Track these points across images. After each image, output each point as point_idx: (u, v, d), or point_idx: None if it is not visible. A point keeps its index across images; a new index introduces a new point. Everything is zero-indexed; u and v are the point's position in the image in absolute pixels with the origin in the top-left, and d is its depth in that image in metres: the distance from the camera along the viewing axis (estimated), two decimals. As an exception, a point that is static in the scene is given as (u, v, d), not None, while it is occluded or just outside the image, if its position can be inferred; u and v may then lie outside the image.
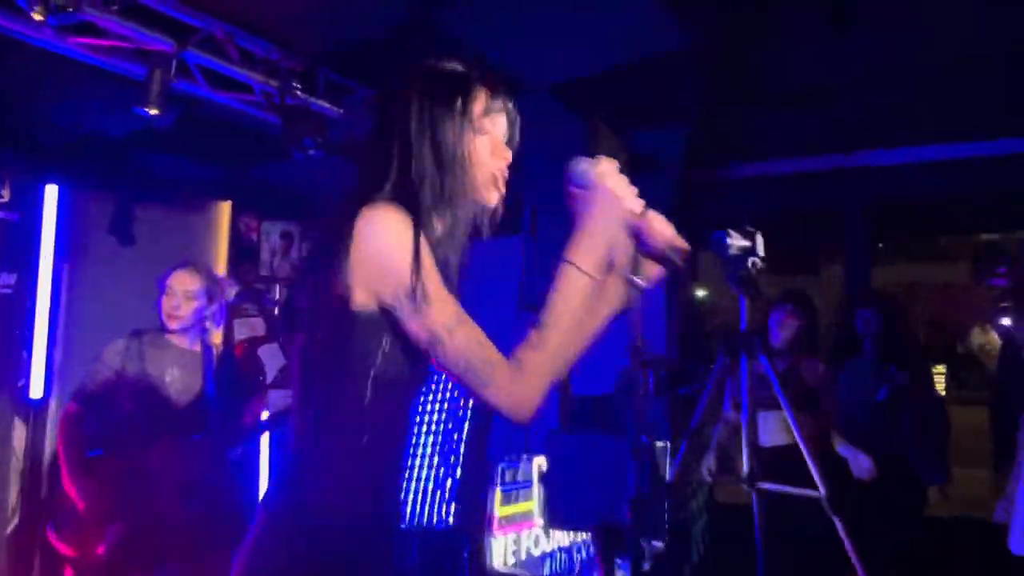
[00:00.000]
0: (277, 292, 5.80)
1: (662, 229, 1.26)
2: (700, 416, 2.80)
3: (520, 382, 1.17)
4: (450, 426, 3.03)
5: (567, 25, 2.95)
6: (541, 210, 3.23)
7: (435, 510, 2.87)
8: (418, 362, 1.29)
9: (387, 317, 1.21)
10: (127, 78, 3.15)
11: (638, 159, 3.92)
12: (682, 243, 1.27)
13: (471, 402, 3.14)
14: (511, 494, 2.65)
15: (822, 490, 2.40)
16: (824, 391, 3.41)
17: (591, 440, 2.45)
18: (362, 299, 1.20)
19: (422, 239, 1.19)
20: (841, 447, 3.49)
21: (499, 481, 2.70)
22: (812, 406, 3.26)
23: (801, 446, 2.53)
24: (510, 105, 1.36)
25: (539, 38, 3.06)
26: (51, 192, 4.30)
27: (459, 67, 1.33)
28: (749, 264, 2.64)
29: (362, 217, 1.19)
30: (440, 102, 1.29)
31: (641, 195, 1.31)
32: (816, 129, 4.54)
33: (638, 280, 1.26)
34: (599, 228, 1.24)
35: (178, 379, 2.88)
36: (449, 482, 2.89)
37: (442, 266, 1.25)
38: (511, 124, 1.37)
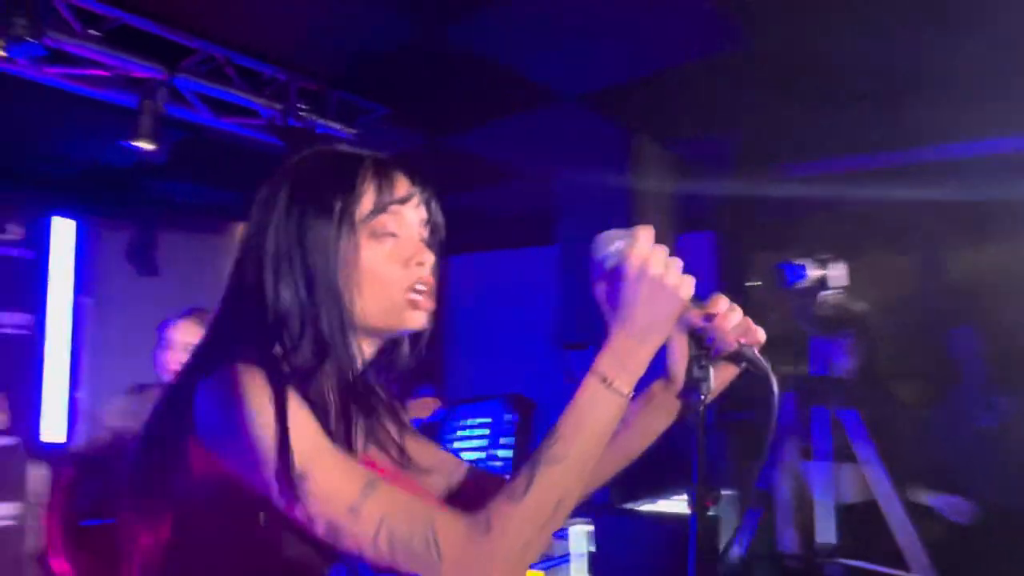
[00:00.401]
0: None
1: (730, 320, 0.92)
2: (766, 472, 2.42)
3: (484, 548, 0.82)
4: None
5: (600, 31, 2.60)
6: (576, 237, 2.88)
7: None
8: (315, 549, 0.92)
9: (258, 504, 0.86)
10: (124, 107, 2.92)
11: (684, 168, 3.53)
12: (758, 334, 0.94)
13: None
14: (548, 573, 2.31)
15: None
16: (901, 437, 2.99)
17: (644, 521, 2.09)
18: (221, 487, 0.86)
19: (294, 404, 0.85)
20: (926, 498, 3.06)
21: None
22: (890, 457, 2.84)
23: (902, 514, 2.13)
24: (417, 189, 0.99)
25: (569, 46, 2.71)
26: (64, 226, 4.13)
27: (338, 154, 1.01)
28: (823, 298, 2.26)
29: (210, 387, 0.86)
30: (311, 207, 0.94)
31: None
32: (876, 126, 4.11)
33: (702, 394, 0.92)
34: (641, 330, 0.89)
35: (181, 438, 2.62)
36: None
37: (342, 418, 0.93)
38: (428, 212, 1.01)
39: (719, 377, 0.96)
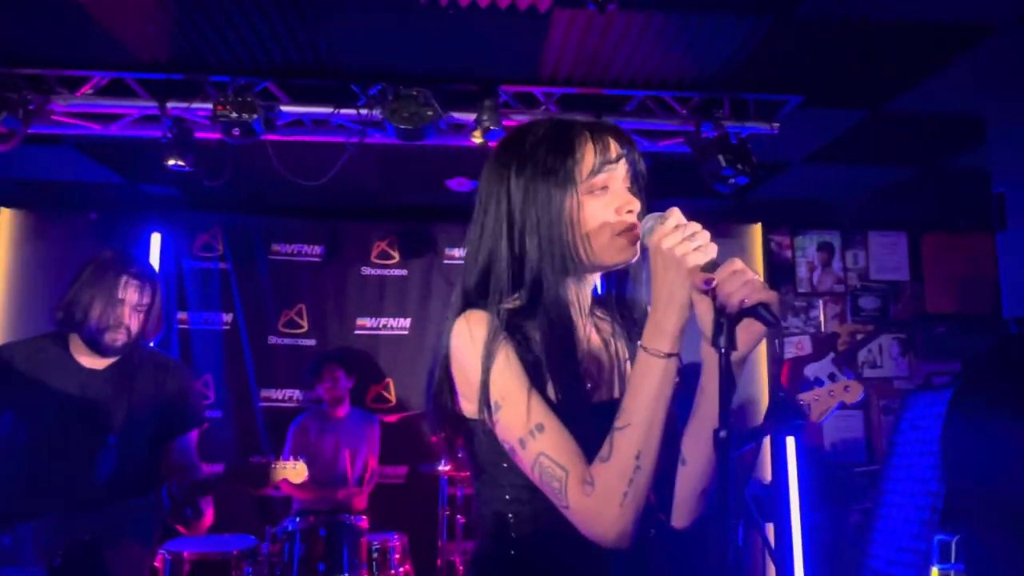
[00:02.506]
0: (821, 307, 5.57)
1: (731, 283, 0.96)
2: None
3: (592, 503, 1.02)
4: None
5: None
6: (1010, 194, 2.40)
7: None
8: None
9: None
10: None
11: None
12: (765, 292, 0.94)
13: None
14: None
15: None
16: None
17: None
18: (470, 410, 1.14)
19: (502, 348, 1.09)
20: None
21: (936, 556, 2.11)
22: None
23: None
24: (626, 150, 1.17)
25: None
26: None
27: (556, 124, 1.19)
28: None
29: (451, 331, 1.14)
30: (539, 172, 1.14)
31: None
32: None
33: (720, 347, 0.97)
34: (663, 298, 1.03)
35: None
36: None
37: (557, 355, 1.11)
38: (633, 167, 1.18)
39: (745, 335, 1.00)
